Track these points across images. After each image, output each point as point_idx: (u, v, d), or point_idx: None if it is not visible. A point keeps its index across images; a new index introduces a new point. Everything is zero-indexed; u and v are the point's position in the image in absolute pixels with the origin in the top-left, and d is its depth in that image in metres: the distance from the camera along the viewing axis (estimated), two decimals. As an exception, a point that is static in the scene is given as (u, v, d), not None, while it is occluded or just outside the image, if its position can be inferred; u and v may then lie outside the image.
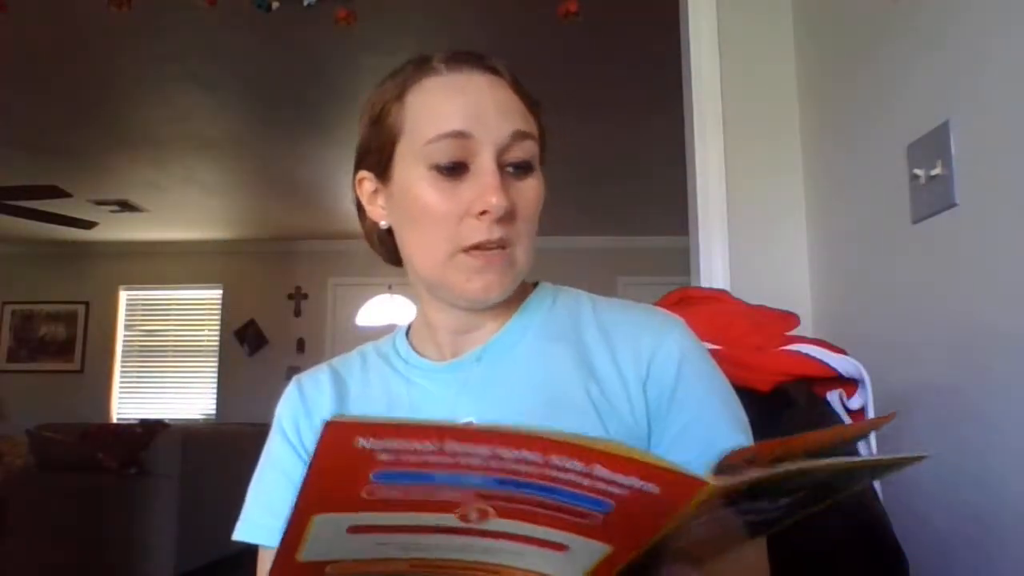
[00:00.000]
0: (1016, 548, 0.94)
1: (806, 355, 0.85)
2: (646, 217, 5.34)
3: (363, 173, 0.74)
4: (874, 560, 0.74)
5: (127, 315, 6.46)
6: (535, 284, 0.79)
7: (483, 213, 0.65)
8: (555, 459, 0.36)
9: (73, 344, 6.32)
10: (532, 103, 0.72)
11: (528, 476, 0.37)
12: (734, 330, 0.91)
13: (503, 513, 0.40)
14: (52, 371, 6.27)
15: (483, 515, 0.39)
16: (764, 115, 1.64)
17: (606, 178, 4.67)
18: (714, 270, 1.61)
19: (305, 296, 6.27)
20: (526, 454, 0.35)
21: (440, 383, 0.72)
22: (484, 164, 0.66)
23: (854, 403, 0.85)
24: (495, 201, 0.64)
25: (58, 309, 6.36)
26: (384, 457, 0.35)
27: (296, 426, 0.75)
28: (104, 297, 6.38)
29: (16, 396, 6.00)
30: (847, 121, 1.42)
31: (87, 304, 6.37)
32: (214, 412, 6.12)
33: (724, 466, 0.43)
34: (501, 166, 0.67)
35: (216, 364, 6.25)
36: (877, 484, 0.80)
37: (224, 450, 3.63)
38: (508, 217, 0.66)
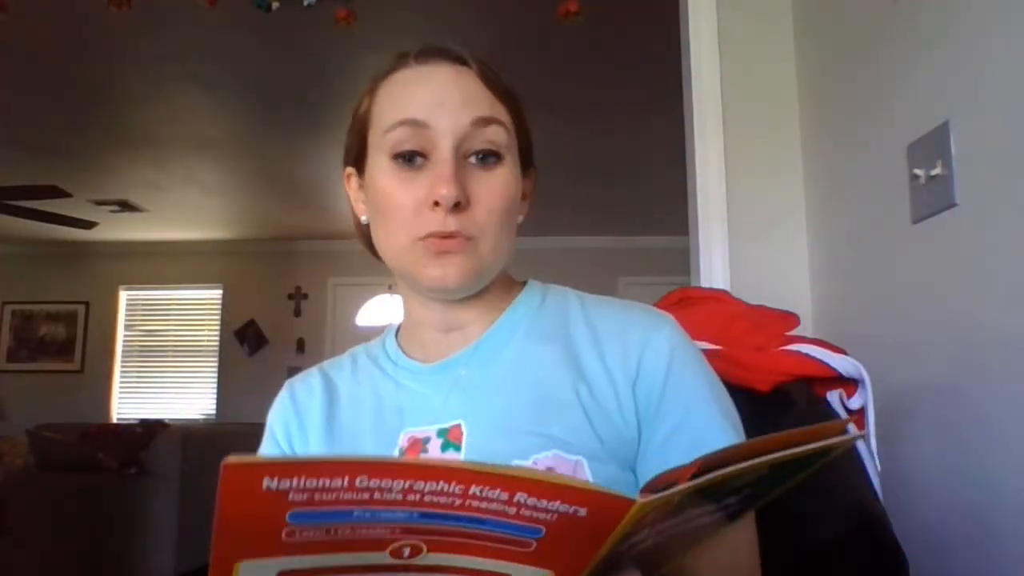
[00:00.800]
0: (1016, 548, 0.94)
1: (806, 355, 0.85)
2: (646, 217, 5.35)
3: (348, 169, 0.76)
4: (874, 560, 0.74)
5: (127, 315, 6.46)
6: (524, 283, 0.78)
7: (436, 204, 0.65)
8: (475, 489, 0.35)
9: (73, 344, 6.32)
10: (505, 94, 0.71)
11: (450, 508, 0.36)
12: (734, 330, 0.91)
13: (435, 547, 0.38)
14: (52, 371, 6.27)
15: (415, 551, 0.38)
16: (764, 115, 1.64)
17: (606, 178, 4.67)
18: (714, 270, 1.61)
19: (305, 296, 6.27)
20: (444, 486, 0.34)
21: (429, 385, 0.72)
22: (442, 152, 0.66)
23: (854, 403, 0.85)
24: (444, 192, 0.64)
25: (58, 309, 6.36)
26: (296, 497, 0.33)
27: (288, 434, 0.75)
28: (104, 297, 6.38)
29: (16, 396, 6.00)
30: (847, 121, 1.42)
31: (87, 304, 6.37)
32: (214, 412, 6.12)
33: (656, 484, 0.43)
34: (464, 156, 0.67)
35: (216, 364, 6.25)
36: (877, 484, 0.80)
37: (224, 450, 3.56)
38: (462, 208, 0.65)
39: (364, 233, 0.77)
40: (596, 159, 4.34)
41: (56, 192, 3.96)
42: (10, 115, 3.69)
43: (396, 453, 0.69)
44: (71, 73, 3.25)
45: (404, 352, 0.76)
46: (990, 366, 0.99)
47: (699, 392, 0.67)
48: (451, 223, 0.65)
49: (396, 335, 0.79)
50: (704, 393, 0.67)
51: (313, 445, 0.74)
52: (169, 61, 3.14)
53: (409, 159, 0.67)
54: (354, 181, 0.76)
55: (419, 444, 0.68)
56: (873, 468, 0.80)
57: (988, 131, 1.00)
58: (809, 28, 1.59)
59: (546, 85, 3.30)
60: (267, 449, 0.76)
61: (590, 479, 0.62)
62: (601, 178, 4.66)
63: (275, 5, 2.42)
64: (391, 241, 0.69)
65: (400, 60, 0.72)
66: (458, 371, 0.71)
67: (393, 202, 0.67)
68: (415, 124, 0.66)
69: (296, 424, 0.75)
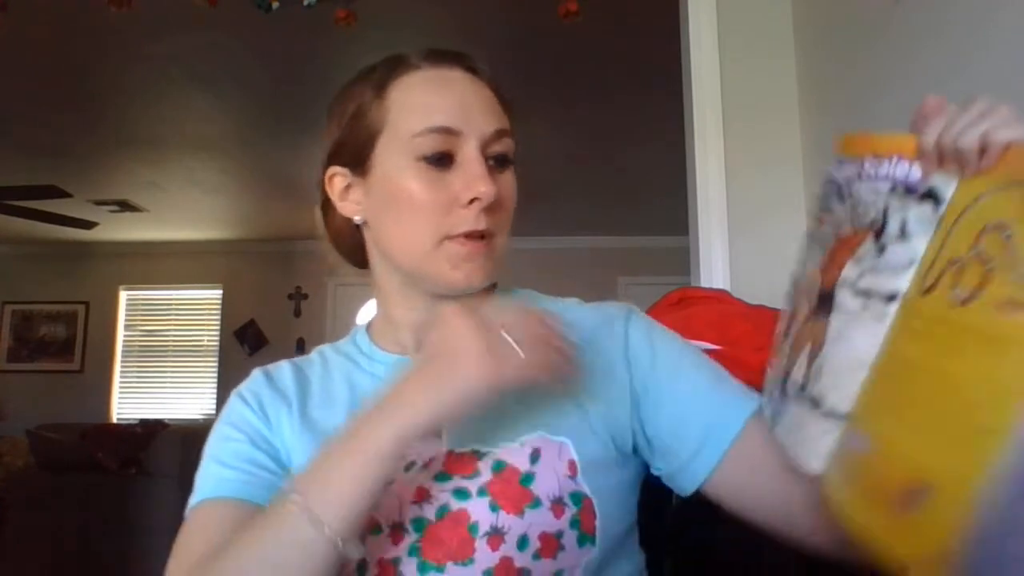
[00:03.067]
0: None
1: (806, 355, 0.85)
2: (646, 217, 5.35)
3: (335, 169, 0.75)
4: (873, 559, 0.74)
5: (127, 315, 6.46)
6: (492, 287, 0.80)
7: (472, 202, 0.67)
8: None
9: (73, 344, 6.32)
10: (506, 104, 0.74)
11: None
12: (734, 330, 0.91)
13: None
14: (52, 371, 6.27)
15: None
16: (764, 114, 1.64)
17: (606, 178, 4.67)
18: (714, 270, 1.61)
19: (305, 296, 6.27)
20: None
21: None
22: (470, 153, 0.68)
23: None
24: (484, 189, 0.66)
25: (58, 309, 6.36)
26: None
27: (259, 398, 0.75)
28: (104, 297, 6.37)
29: (16, 396, 5.99)
30: (847, 120, 1.42)
31: (87, 304, 6.37)
32: (214, 412, 6.10)
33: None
34: (484, 158, 0.69)
35: (216, 364, 6.25)
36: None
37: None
38: (494, 206, 0.68)
39: (350, 236, 0.77)
40: (596, 159, 4.34)
41: (56, 192, 3.96)
42: (10, 115, 3.69)
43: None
44: (71, 73, 3.25)
45: (378, 347, 0.78)
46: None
47: (686, 351, 0.74)
48: (483, 220, 0.68)
49: (367, 333, 0.81)
50: (689, 351, 0.75)
51: (287, 425, 0.73)
52: (169, 61, 3.14)
53: (438, 160, 0.68)
54: (339, 181, 0.75)
55: None
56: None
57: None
58: (809, 28, 1.59)
59: (546, 85, 3.30)
60: (235, 409, 0.75)
61: (576, 460, 0.65)
62: (601, 178, 4.67)
63: (275, 5, 2.42)
64: (412, 240, 0.70)
65: (405, 63, 0.72)
66: None
67: (420, 201, 0.68)
68: (446, 131, 0.68)
69: (270, 396, 0.75)
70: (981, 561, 0.37)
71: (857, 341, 0.51)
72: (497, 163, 0.70)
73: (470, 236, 0.68)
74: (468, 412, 0.58)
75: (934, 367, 0.43)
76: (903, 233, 0.50)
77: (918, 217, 0.50)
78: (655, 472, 0.72)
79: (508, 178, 0.72)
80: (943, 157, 0.49)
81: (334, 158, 0.75)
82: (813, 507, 0.59)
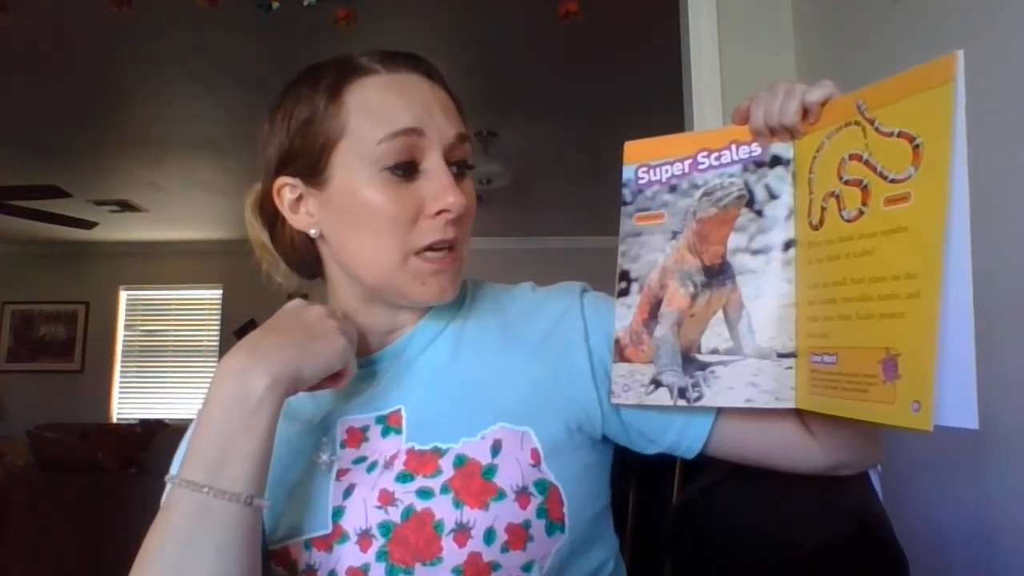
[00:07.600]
0: (1017, 547, 0.94)
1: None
2: (646, 217, 5.33)
3: (284, 179, 0.71)
4: (874, 560, 0.74)
5: (127, 315, 6.46)
6: None
7: (439, 213, 0.66)
8: None
9: (73, 344, 6.32)
10: (462, 109, 0.73)
11: None
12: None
13: None
14: (52, 371, 6.26)
15: None
16: (764, 115, 1.64)
17: (606, 178, 4.66)
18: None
19: (305, 296, 6.23)
20: None
21: (364, 377, 0.73)
22: (436, 163, 0.66)
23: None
24: (452, 200, 0.65)
25: (58, 309, 6.36)
26: None
27: None
28: (104, 297, 6.37)
29: (16, 396, 5.99)
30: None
31: (87, 304, 6.37)
32: (214, 412, 6.11)
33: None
34: (447, 165, 0.68)
35: (216, 364, 6.23)
36: (877, 483, 0.80)
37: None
38: (460, 216, 0.67)
39: (302, 247, 0.75)
40: (596, 159, 4.34)
41: (56, 192, 3.96)
42: (10, 115, 3.69)
43: (337, 444, 0.70)
44: (71, 73, 3.25)
45: None
46: (988, 365, 0.99)
47: None
48: (450, 231, 0.67)
49: None
50: None
51: None
52: (169, 61, 3.14)
53: (403, 171, 0.66)
54: (288, 193, 0.71)
55: (358, 433, 0.70)
56: (873, 468, 0.81)
57: (987, 130, 1.00)
58: (809, 28, 1.60)
59: (546, 86, 3.30)
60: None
61: (539, 448, 0.65)
62: (601, 178, 4.66)
63: (275, 5, 2.42)
64: (377, 255, 0.68)
65: (358, 65, 0.69)
66: (395, 360, 0.73)
67: (385, 214, 0.66)
68: (412, 133, 0.66)
69: None
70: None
71: (776, 288, 0.61)
72: (459, 170, 0.69)
73: (436, 248, 0.67)
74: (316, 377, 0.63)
75: (856, 273, 0.54)
76: (771, 194, 0.62)
77: (776, 178, 0.62)
78: (646, 453, 0.72)
79: (469, 185, 0.70)
80: (773, 131, 0.62)
81: (282, 167, 0.71)
82: (799, 432, 0.67)
